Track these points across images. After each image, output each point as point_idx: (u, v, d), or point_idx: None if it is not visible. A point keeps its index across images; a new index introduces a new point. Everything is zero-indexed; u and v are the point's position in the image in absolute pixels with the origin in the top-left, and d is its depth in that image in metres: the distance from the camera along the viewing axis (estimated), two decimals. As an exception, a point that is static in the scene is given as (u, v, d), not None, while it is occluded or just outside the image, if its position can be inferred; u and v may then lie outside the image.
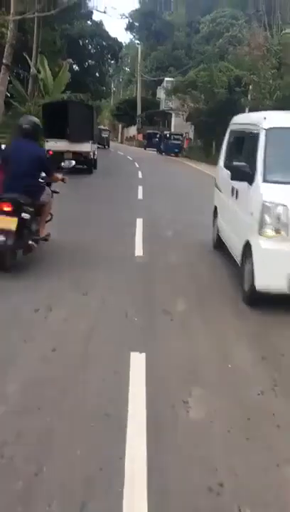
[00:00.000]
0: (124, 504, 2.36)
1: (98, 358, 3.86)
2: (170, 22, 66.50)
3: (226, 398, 3.37)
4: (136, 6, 73.89)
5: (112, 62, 49.78)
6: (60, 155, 18.42)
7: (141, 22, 70.84)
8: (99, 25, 45.54)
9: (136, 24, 73.15)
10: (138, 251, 7.44)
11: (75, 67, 40.64)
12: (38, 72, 26.48)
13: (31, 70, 26.43)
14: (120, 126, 68.19)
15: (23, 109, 22.87)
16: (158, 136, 45.59)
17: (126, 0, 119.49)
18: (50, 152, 18.63)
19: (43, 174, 6.41)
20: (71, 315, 4.72)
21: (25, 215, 5.75)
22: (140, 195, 14.24)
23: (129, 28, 74.91)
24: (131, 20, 70.74)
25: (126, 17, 64.67)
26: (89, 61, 45.31)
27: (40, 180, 6.39)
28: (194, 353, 4.07)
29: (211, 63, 34.70)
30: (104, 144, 42.86)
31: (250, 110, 26.05)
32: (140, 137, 54.81)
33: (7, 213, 5.62)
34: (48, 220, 6.79)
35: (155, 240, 8.26)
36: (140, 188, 15.34)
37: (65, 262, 6.61)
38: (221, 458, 2.74)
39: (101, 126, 49.10)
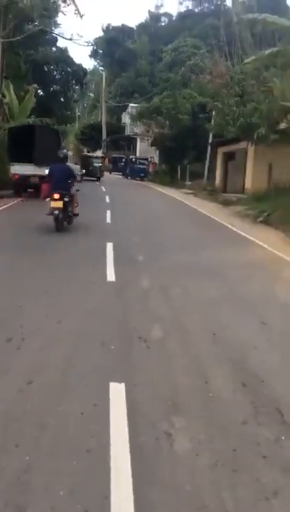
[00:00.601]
0: None
1: (76, 390, 3.74)
2: (133, 50, 68.12)
3: (209, 428, 3.30)
4: (100, 33, 75.05)
5: (77, 87, 50.08)
6: (25, 179, 18.35)
7: (104, 49, 72.25)
8: (63, 51, 45.94)
9: (100, 51, 74.51)
10: (110, 276, 7.37)
11: (40, 92, 40.67)
12: (3, 96, 26.36)
13: (-4, 95, 26.27)
14: (85, 150, 68.53)
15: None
16: (123, 160, 46.00)
17: (90, 27, 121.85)
18: (16, 176, 18.57)
19: (70, 180, 11.46)
20: (45, 345, 4.58)
21: (66, 199, 10.92)
22: (108, 219, 14.21)
23: (93, 54, 76.28)
24: (95, 47, 71.92)
25: (92, 44, 65.62)
26: (54, 86, 45.42)
27: (68, 182, 11.39)
28: (173, 381, 3.99)
29: (175, 90, 35.55)
30: (95, 175, 35.54)
31: (214, 136, 26.76)
32: (106, 161, 55.16)
33: (57, 199, 10.71)
34: (76, 206, 11.76)
35: (126, 262, 8.20)
36: (108, 212, 15.32)
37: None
38: (210, 493, 2.66)
39: (91, 153, 42.44)
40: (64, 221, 11.12)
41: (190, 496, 2.63)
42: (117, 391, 3.71)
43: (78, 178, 12.53)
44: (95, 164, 36.47)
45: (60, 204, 10.68)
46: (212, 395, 3.76)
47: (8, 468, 2.78)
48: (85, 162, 36.35)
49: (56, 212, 10.65)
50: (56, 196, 10.67)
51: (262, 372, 4.19)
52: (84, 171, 32.21)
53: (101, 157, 41.71)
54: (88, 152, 41.98)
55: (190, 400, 3.68)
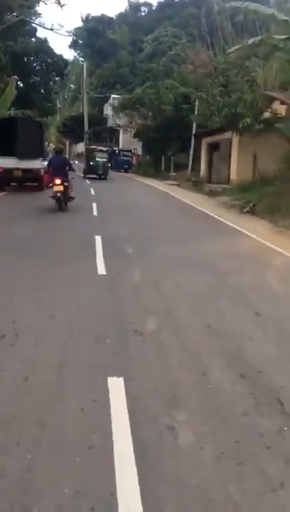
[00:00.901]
0: None
1: (74, 386, 3.69)
2: (113, 40, 67.44)
3: (211, 420, 3.28)
4: (80, 23, 74.15)
5: (58, 78, 49.50)
6: (8, 172, 18.09)
7: (84, 39, 71.41)
8: (43, 42, 45.30)
9: (80, 42, 73.64)
10: (101, 269, 7.31)
11: (20, 83, 40.06)
12: (-17, 88, 25.94)
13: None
14: (68, 142, 67.88)
15: None
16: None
17: (70, 17, 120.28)
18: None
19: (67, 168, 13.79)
20: (40, 341, 4.51)
21: (66, 184, 13.25)
22: (95, 212, 14.11)
23: (73, 45, 75.36)
24: (75, 38, 71.06)
25: (73, 34, 64.80)
26: (35, 78, 44.86)
27: (66, 170, 13.65)
28: (172, 374, 3.96)
29: (157, 81, 35.36)
30: (96, 171, 30.44)
31: (198, 127, 26.70)
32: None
33: (59, 184, 13.03)
34: (71, 190, 13.96)
35: (116, 255, 8.14)
36: (94, 205, 15.21)
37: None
38: (216, 486, 2.64)
39: (95, 146, 34.21)
40: (64, 202, 13.48)
41: (197, 489, 2.61)
42: (116, 386, 3.67)
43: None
44: (98, 159, 30.48)
45: (61, 188, 13.17)
46: (211, 387, 3.74)
47: (11, 467, 2.72)
48: (88, 156, 31.80)
49: (58, 194, 13.16)
50: (58, 181, 13.04)
51: (260, 363, 4.18)
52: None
53: (107, 151, 33.64)
54: (92, 146, 34.32)
55: (189, 392, 3.66)
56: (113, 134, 53.87)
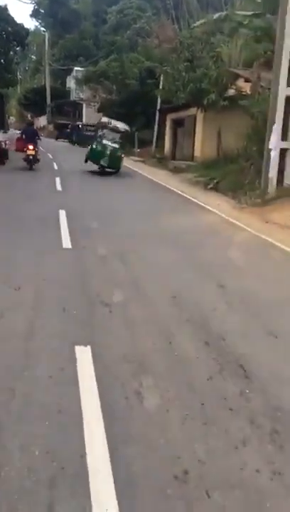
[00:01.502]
0: (92, 501, 2.30)
1: (42, 355, 3.72)
2: (76, 10, 65.43)
3: (177, 385, 3.39)
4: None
5: (18, 48, 47.69)
6: None
7: (46, 9, 68.89)
8: (3, 9, 43.39)
9: (42, 11, 71.06)
10: (66, 243, 7.28)
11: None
12: None
13: None
14: (29, 116, 66.14)
15: None
16: (69, 126, 44.74)
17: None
18: None
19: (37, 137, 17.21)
20: (6, 312, 4.49)
21: (36, 149, 17.36)
22: (58, 187, 13.93)
23: (35, 14, 72.59)
24: (36, 7, 68.54)
25: (34, 2, 62.41)
26: (-6, 47, 43.11)
27: (35, 139, 17.41)
28: (139, 342, 4.04)
29: (122, 54, 34.71)
30: (114, 165, 17.66)
31: (163, 102, 26.50)
32: (51, 128, 53.49)
33: (31, 149, 16.99)
34: (39, 154, 17.87)
35: (81, 229, 8.12)
36: (58, 180, 15.00)
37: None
38: (182, 445, 2.76)
39: (108, 120, 18.73)
40: (34, 163, 17.17)
41: (164, 448, 2.72)
42: (83, 354, 3.73)
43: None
44: (106, 142, 17.44)
45: (33, 152, 17.00)
46: (177, 355, 3.85)
47: (-20, 433, 2.75)
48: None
49: (30, 157, 16.98)
50: (31, 147, 16.95)
51: (223, 332, 4.32)
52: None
53: (122, 132, 18.45)
54: (103, 120, 19.00)
55: (156, 359, 3.75)
56: (76, 108, 52.75)
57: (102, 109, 36.47)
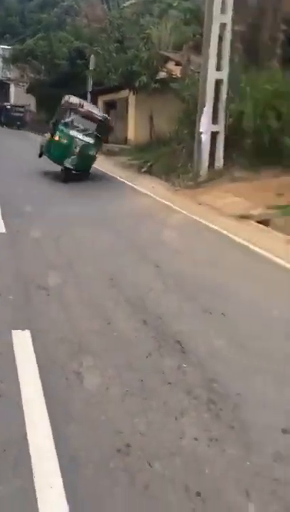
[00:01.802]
0: (36, 480, 2.32)
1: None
2: (0, -15, 62.52)
3: (116, 364, 3.46)
4: None
5: None
6: None
7: None
8: None
9: None
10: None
11: None
12: None
13: None
14: None
15: None
16: (-4, 107, 42.98)
17: None
18: None
19: None
20: None
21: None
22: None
23: None
24: None
25: None
26: None
27: None
28: (77, 324, 4.07)
29: (49, 32, 33.68)
30: (83, 166, 13.12)
31: (94, 84, 26.11)
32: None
33: None
34: None
35: (14, 213, 7.93)
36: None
37: None
38: (123, 420, 2.84)
39: (76, 100, 13.66)
40: None
41: (105, 424, 2.79)
42: (22, 338, 3.70)
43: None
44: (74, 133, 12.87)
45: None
46: (116, 334, 3.92)
47: None
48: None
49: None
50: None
51: (160, 311, 4.44)
52: None
53: (99, 121, 13.47)
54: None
55: (95, 340, 3.80)
56: (3, 87, 50.56)
57: (31, 90, 35.46)
